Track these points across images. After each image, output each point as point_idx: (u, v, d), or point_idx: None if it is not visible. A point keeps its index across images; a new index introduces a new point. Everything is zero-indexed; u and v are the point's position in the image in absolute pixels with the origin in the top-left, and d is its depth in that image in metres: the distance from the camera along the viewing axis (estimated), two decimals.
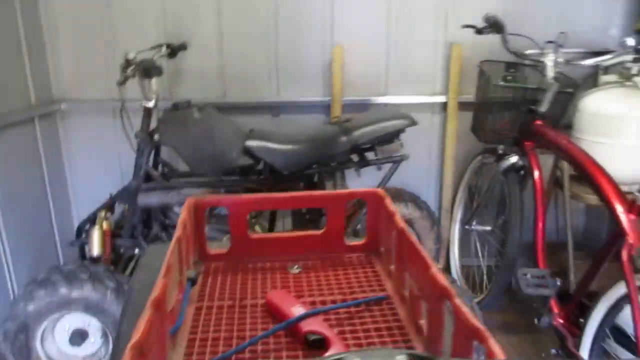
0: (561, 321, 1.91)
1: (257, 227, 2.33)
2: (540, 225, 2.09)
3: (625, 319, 1.66)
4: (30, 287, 1.98)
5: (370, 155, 2.28)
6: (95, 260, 2.19)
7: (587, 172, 1.77)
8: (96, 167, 2.86)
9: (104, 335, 2.11)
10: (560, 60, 2.09)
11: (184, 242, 0.89)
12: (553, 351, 1.91)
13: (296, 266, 1.03)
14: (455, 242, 2.89)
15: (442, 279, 0.68)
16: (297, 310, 0.81)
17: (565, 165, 2.37)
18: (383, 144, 2.22)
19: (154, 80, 2.18)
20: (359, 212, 2.34)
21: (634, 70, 2.19)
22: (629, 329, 1.71)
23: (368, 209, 1.05)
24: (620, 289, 1.58)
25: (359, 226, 2.32)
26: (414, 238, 0.81)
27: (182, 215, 0.93)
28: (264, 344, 0.78)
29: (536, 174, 2.16)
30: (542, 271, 1.80)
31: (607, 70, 2.34)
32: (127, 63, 2.08)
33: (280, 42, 2.73)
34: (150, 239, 2.29)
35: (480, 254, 2.80)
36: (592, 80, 2.42)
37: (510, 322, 2.53)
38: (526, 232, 2.21)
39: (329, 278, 0.99)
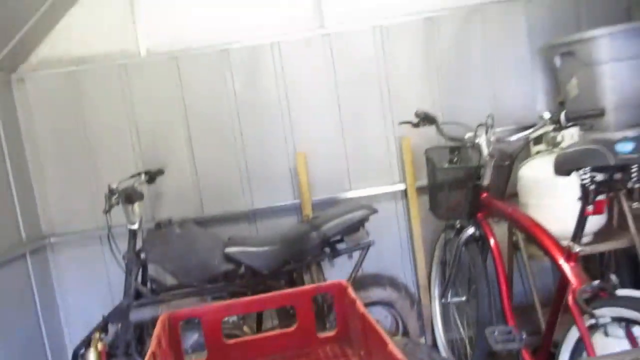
0: None
1: (245, 329, 2.45)
2: (504, 287, 2.26)
3: None
4: None
5: (341, 245, 2.48)
6: None
7: (530, 231, 1.99)
8: (86, 294, 3.01)
9: None
10: (492, 139, 2.38)
11: (159, 357, 0.93)
12: None
13: None
14: (437, 318, 3.01)
15: (398, 354, 0.74)
16: None
17: None
18: (350, 234, 2.44)
19: (136, 205, 2.41)
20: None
21: (559, 138, 2.49)
22: None
23: (335, 300, 1.10)
24: (574, 333, 1.74)
25: None
26: (373, 320, 0.88)
27: (156, 330, 0.98)
28: None
29: (492, 241, 2.36)
30: (508, 327, 1.95)
31: (536, 140, 2.64)
32: (111, 192, 2.33)
33: (247, 156, 3.03)
34: (144, 355, 2.39)
35: (460, 325, 2.92)
36: (526, 151, 2.72)
37: None
38: (497, 297, 2.37)
39: None
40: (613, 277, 1.74)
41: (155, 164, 2.94)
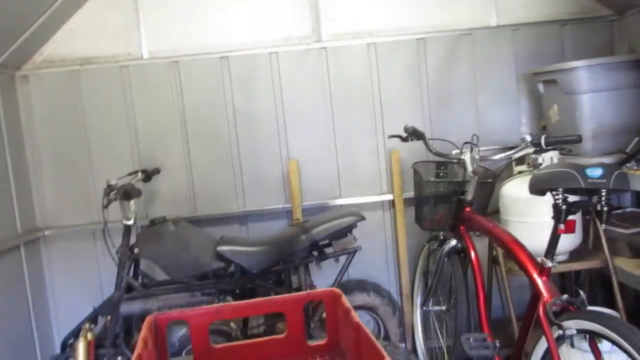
0: None
1: (232, 324, 2.53)
2: (481, 297, 2.37)
3: None
4: None
5: (328, 249, 2.58)
6: None
7: (506, 246, 2.10)
8: (77, 287, 3.08)
9: None
10: (476, 156, 2.49)
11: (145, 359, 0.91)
12: None
13: None
14: (418, 325, 3.11)
15: None
16: None
17: None
18: (338, 239, 2.54)
19: (133, 202, 2.50)
20: (320, 306, 2.58)
21: (540, 160, 2.62)
22: None
23: (326, 309, 1.10)
24: (543, 344, 1.85)
25: (324, 314, 2.56)
26: (369, 332, 0.88)
27: (143, 332, 0.96)
28: None
29: (472, 254, 2.47)
30: (483, 335, 2.06)
31: (518, 161, 2.77)
32: (110, 188, 2.41)
33: (242, 160, 3.13)
34: (132, 347, 2.47)
35: (439, 334, 3.02)
36: (508, 170, 2.84)
37: None
38: (475, 308, 2.48)
39: None
40: (581, 293, 1.86)
41: (152, 164, 3.03)
